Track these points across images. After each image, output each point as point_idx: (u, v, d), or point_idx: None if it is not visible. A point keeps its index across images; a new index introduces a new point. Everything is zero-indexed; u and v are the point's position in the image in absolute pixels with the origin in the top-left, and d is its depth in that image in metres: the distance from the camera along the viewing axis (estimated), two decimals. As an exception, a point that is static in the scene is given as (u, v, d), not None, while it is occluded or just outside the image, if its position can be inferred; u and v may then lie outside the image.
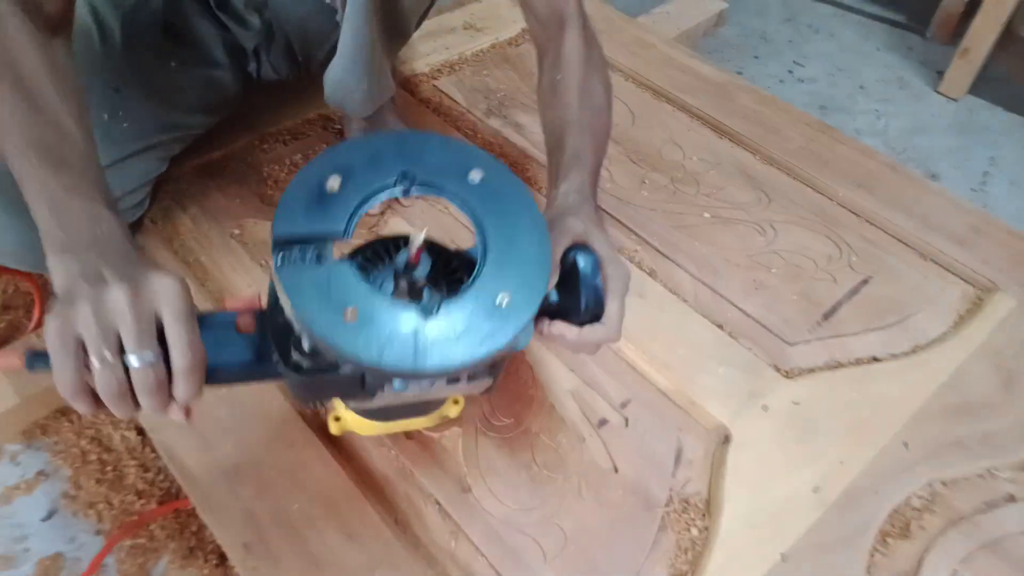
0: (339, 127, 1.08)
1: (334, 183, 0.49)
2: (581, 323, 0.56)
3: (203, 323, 0.48)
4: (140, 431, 0.79)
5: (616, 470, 0.73)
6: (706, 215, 1.01)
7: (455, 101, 1.16)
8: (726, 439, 0.76)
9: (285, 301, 0.47)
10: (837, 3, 1.73)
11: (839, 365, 0.84)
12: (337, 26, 0.79)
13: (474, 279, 0.50)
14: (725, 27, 1.61)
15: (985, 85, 1.49)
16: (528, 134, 1.10)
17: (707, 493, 0.73)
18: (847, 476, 0.74)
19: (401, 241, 0.55)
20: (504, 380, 0.78)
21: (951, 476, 0.75)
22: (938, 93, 1.49)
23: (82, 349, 0.43)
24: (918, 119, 1.43)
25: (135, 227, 0.89)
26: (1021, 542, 0.70)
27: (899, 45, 1.62)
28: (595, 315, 0.56)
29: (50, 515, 0.75)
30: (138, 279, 0.45)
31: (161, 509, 0.74)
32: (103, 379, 0.43)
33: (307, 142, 1.06)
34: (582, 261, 0.57)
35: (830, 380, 0.82)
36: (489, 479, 0.72)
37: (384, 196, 0.51)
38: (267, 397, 0.75)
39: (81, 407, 0.45)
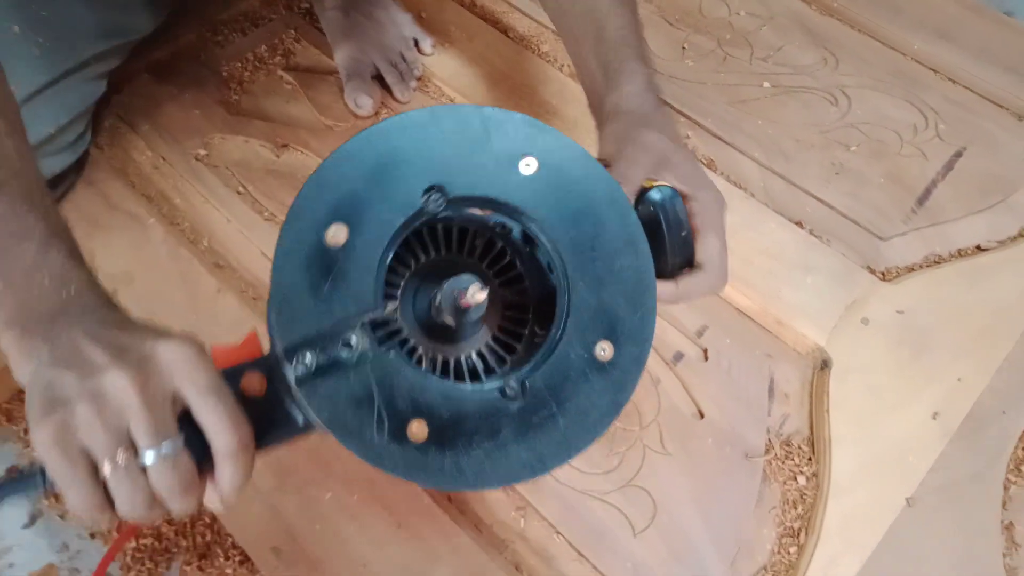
0: (307, 5, 0.87)
1: (337, 235, 0.35)
2: (672, 274, 0.45)
3: None
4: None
5: (701, 415, 0.62)
6: (766, 85, 0.84)
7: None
8: (824, 364, 0.64)
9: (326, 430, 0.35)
10: None
11: (940, 260, 0.72)
12: None
13: (559, 330, 0.37)
14: None
15: None
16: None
17: (809, 432, 0.62)
18: (969, 396, 0.63)
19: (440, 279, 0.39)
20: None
21: (1087, 384, 0.65)
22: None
23: (90, 460, 0.33)
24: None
25: (80, 164, 0.71)
26: None
27: None
28: (686, 261, 0.46)
29: (33, 520, 0.63)
30: (138, 355, 0.32)
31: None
32: (123, 489, 0.32)
33: (270, 28, 0.86)
34: (657, 195, 0.44)
35: (934, 279, 0.70)
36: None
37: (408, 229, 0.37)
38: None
39: (108, 523, 0.35)
